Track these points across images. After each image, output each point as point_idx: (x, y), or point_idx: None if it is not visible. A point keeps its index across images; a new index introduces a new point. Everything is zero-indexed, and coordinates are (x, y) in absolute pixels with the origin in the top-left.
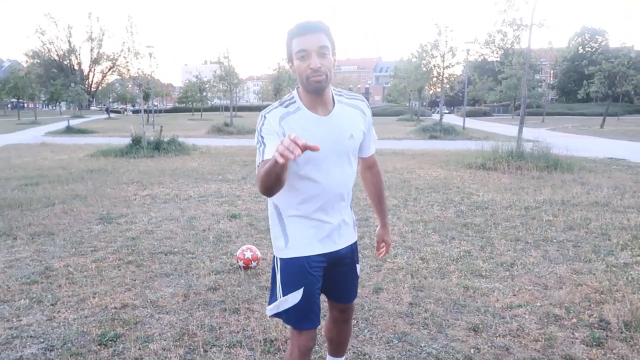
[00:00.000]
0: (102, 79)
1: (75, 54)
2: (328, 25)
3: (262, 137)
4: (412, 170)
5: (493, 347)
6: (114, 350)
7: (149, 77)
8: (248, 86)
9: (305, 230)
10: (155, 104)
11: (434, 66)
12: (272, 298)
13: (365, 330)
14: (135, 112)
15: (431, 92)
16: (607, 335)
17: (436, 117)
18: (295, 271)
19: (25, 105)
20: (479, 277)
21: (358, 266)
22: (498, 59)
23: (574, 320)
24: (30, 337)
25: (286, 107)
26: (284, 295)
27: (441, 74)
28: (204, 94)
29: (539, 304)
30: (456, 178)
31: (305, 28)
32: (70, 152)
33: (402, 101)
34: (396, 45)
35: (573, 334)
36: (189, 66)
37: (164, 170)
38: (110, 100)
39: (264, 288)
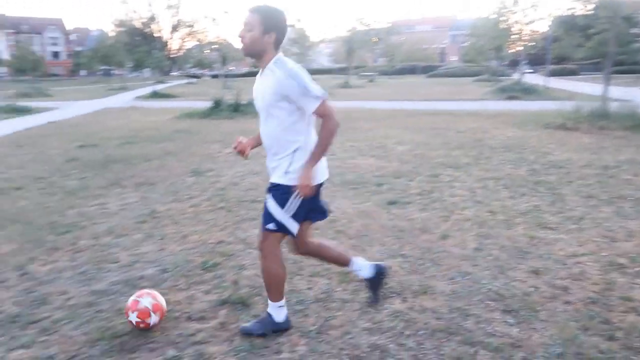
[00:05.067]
0: (181, 45)
1: (156, 21)
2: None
3: None
4: (486, 130)
5: (552, 287)
6: (215, 274)
7: (226, 42)
8: (320, 49)
9: None
10: (231, 68)
11: (515, 22)
12: None
13: (431, 268)
14: (213, 76)
15: (511, 50)
16: None
17: (516, 77)
18: None
19: (114, 72)
20: (545, 229)
21: (268, 200)
22: (590, 12)
23: (638, 269)
24: (148, 262)
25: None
26: None
27: (522, 31)
28: None
29: (604, 254)
30: (532, 138)
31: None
32: (158, 114)
33: (480, 61)
34: (474, 2)
35: (634, 280)
36: None
37: (244, 131)
38: (189, 65)
39: (340, 233)
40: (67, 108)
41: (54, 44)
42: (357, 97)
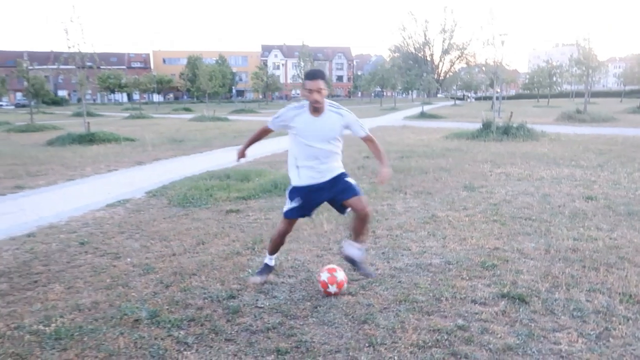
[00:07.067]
0: (450, 67)
1: (428, 45)
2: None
3: (278, 114)
4: None
5: None
6: (493, 273)
7: (497, 64)
8: (607, 69)
9: (305, 172)
10: (498, 90)
11: None
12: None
13: None
14: (478, 99)
15: None
16: None
17: None
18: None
19: (384, 93)
20: None
21: (347, 179)
22: None
23: None
24: (434, 254)
25: (299, 108)
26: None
27: None
28: (553, 79)
29: None
30: None
31: (310, 74)
32: (428, 133)
33: None
34: None
35: None
36: (536, 50)
37: (514, 153)
38: (455, 88)
39: (622, 259)
40: None
41: (339, 69)
42: None
